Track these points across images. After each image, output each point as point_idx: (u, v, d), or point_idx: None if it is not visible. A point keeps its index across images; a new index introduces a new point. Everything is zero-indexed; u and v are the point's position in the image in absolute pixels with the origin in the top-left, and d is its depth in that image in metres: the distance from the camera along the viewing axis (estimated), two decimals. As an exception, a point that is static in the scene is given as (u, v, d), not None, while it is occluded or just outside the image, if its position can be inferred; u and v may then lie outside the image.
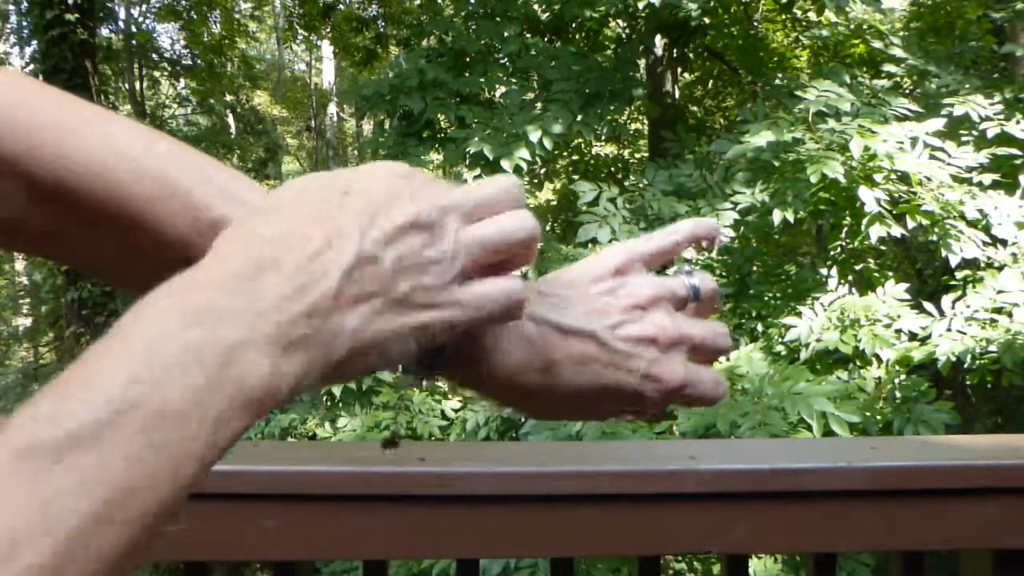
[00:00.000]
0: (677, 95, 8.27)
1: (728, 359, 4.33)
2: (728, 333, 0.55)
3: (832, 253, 5.47)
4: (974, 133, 4.83)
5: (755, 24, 8.00)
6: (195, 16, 14.02)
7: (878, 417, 3.92)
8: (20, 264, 16.12)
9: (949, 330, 4.21)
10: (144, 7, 16.47)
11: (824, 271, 5.39)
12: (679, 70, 8.26)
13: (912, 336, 4.35)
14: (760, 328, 4.85)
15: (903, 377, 4.14)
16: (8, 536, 0.28)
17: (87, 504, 0.30)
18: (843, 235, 5.16)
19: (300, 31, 13.48)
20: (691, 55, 7.84)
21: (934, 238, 4.57)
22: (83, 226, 0.48)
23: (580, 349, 0.49)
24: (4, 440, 0.30)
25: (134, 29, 15.65)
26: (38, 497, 0.29)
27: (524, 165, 5.23)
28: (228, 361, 0.35)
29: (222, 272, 0.37)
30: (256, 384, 0.35)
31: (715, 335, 0.53)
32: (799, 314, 4.53)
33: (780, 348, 4.59)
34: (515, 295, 0.44)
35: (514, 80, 6.11)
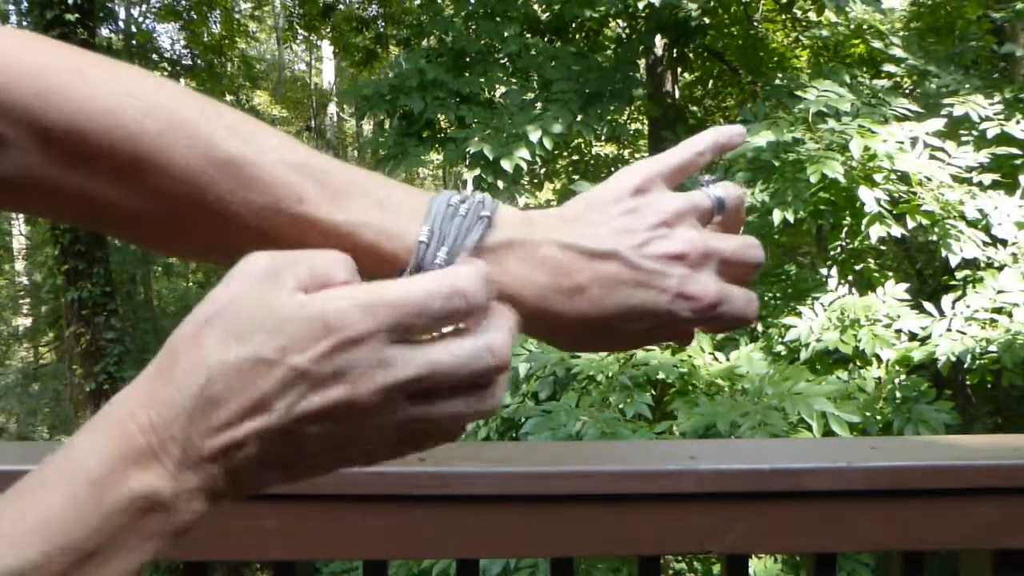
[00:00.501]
0: (677, 95, 8.27)
1: (728, 359, 4.33)
2: (759, 244, 0.53)
3: (832, 253, 5.47)
4: (974, 133, 4.83)
5: (755, 24, 8.00)
6: (195, 16, 14.02)
7: (878, 417, 3.92)
8: (20, 264, 16.12)
9: (949, 330, 4.21)
10: (144, 7, 16.47)
11: (824, 271, 5.39)
12: (679, 70, 8.26)
13: (912, 336, 4.35)
14: (760, 328, 4.85)
15: (903, 377, 4.14)
16: None
17: None
18: (843, 235, 5.15)
19: (300, 31, 13.49)
20: (691, 55, 7.84)
21: (934, 238, 4.57)
22: (95, 172, 0.47)
23: (607, 271, 0.48)
24: None
25: (134, 29, 15.64)
26: None
27: (524, 165, 5.23)
28: (159, 510, 0.38)
29: (159, 416, 0.38)
30: (180, 525, 0.39)
31: (745, 247, 0.52)
32: (799, 314, 4.53)
33: (780, 348, 4.59)
34: (485, 407, 0.42)
35: (514, 80, 6.11)
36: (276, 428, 0.38)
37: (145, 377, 0.39)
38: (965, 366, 4.14)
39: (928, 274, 7.11)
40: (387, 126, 6.60)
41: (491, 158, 5.07)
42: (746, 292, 0.51)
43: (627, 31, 7.42)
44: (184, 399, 0.37)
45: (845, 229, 5.08)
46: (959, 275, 4.75)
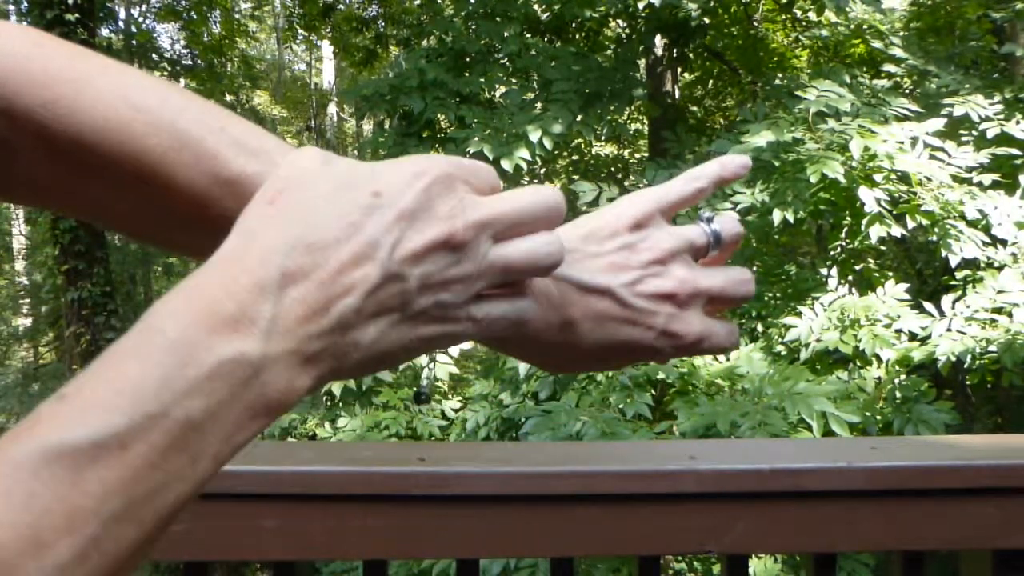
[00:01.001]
0: (677, 95, 8.27)
1: (728, 359, 4.33)
2: (752, 279, 0.53)
3: (832, 253, 5.47)
4: (974, 133, 4.83)
5: (755, 24, 8.00)
6: (195, 16, 14.02)
7: (878, 417, 3.92)
8: (20, 264, 16.12)
9: (949, 330, 4.21)
10: (144, 7, 16.48)
11: (824, 271, 5.39)
12: (679, 70, 8.26)
13: (912, 336, 4.35)
14: (760, 328, 4.85)
15: (903, 377, 4.14)
16: (34, 536, 0.29)
17: (110, 507, 0.31)
18: (843, 235, 5.16)
19: (300, 31, 13.48)
20: (691, 55, 7.84)
21: (934, 238, 4.57)
22: (101, 181, 0.48)
23: (598, 307, 0.50)
24: (34, 437, 0.31)
25: (134, 29, 15.65)
26: (65, 500, 0.30)
27: (524, 165, 5.23)
28: (251, 376, 0.35)
29: (247, 280, 0.36)
30: (274, 396, 0.36)
31: (735, 284, 0.52)
32: (799, 314, 4.53)
33: (780, 348, 4.59)
34: (526, 314, 0.44)
35: (514, 80, 6.11)
36: (382, 273, 0.38)
37: (228, 245, 0.38)
38: (965, 366, 4.14)
39: (928, 274, 7.11)
40: (387, 126, 6.60)
41: (491, 158, 5.07)
42: (728, 325, 0.53)
43: (627, 31, 7.42)
44: (279, 256, 0.36)
45: (845, 229, 5.08)
46: (959, 275, 4.75)
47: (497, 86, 6.10)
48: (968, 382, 4.83)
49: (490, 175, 0.43)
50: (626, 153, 10.76)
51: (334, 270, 0.37)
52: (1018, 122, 4.70)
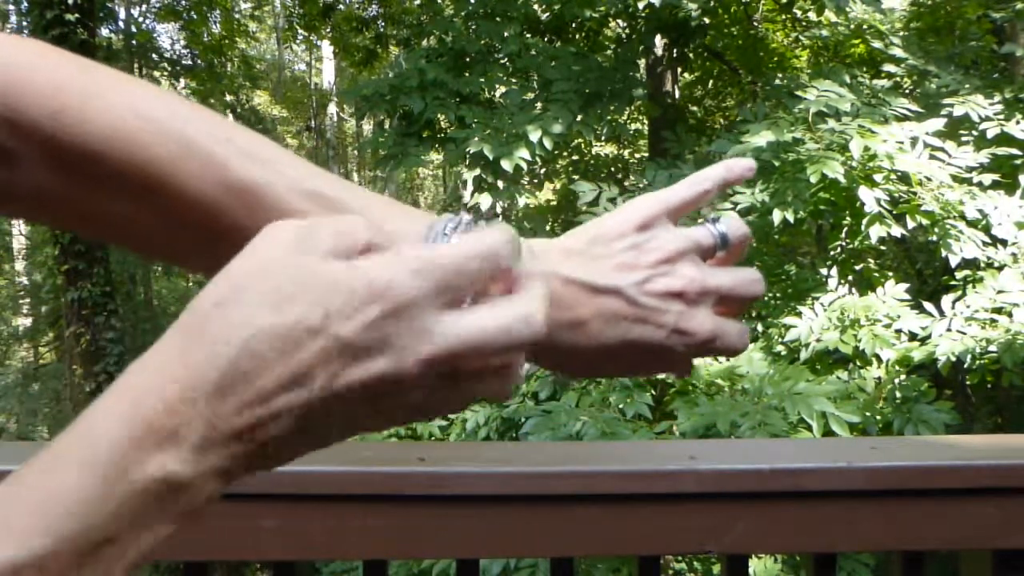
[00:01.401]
0: (677, 95, 8.27)
1: (728, 359, 4.33)
2: (761, 279, 0.54)
3: (832, 253, 5.47)
4: (974, 133, 4.83)
5: (755, 24, 8.00)
6: (195, 16, 14.02)
7: (878, 417, 3.92)
8: (20, 264, 16.12)
9: (949, 330, 4.21)
10: (144, 7, 16.48)
11: (824, 271, 5.39)
12: (679, 70, 8.26)
13: (912, 336, 4.35)
14: (760, 328, 4.85)
15: (903, 377, 4.14)
16: None
17: None
18: (843, 235, 5.15)
19: (300, 31, 13.48)
20: (691, 55, 7.84)
21: (934, 238, 4.57)
22: (108, 193, 0.48)
23: (609, 306, 0.50)
24: None
25: (134, 29, 15.65)
26: None
27: (524, 165, 5.23)
28: (177, 492, 0.35)
29: (183, 393, 0.35)
30: (196, 507, 0.36)
31: (746, 283, 0.53)
32: (799, 314, 4.53)
33: (780, 348, 4.59)
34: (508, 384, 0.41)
35: (514, 80, 6.11)
36: (314, 402, 0.35)
37: (166, 344, 0.36)
38: (965, 366, 4.14)
39: (928, 274, 7.11)
40: (387, 126, 6.60)
41: (491, 158, 5.07)
42: (739, 326, 0.53)
43: (627, 31, 7.42)
44: (213, 371, 0.35)
45: (845, 229, 5.08)
46: (959, 275, 4.75)
47: (497, 86, 6.09)
48: (968, 382, 4.83)
49: (480, 269, 0.38)
50: (626, 153, 10.76)
51: (268, 392, 0.35)
52: (1018, 122, 4.70)
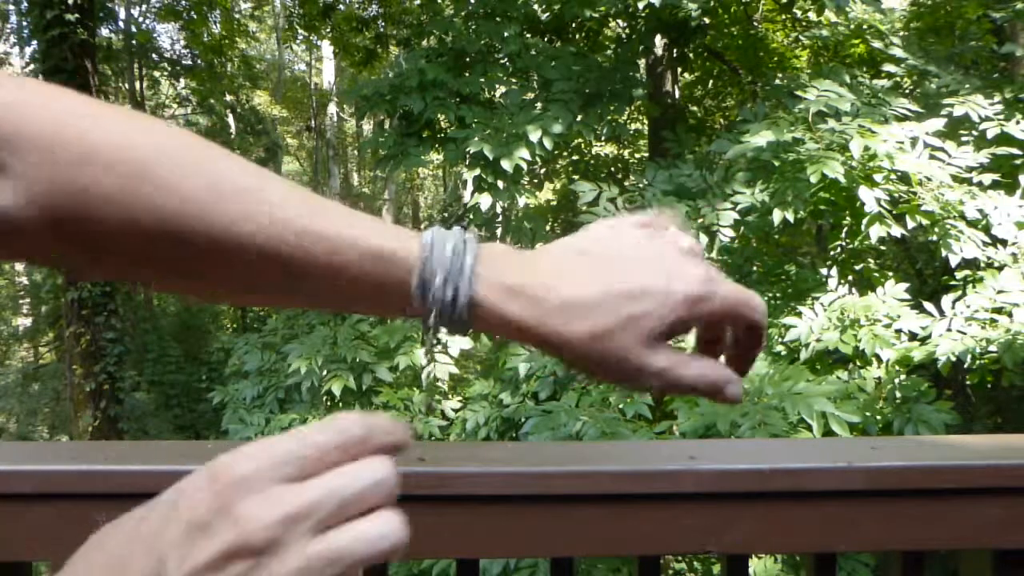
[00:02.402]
0: (677, 95, 8.27)
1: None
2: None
3: (832, 253, 5.47)
4: (974, 133, 4.83)
5: (755, 24, 8.00)
6: (195, 16, 14.02)
7: (878, 417, 3.92)
8: (20, 264, 16.12)
9: (949, 330, 4.21)
10: (144, 7, 16.48)
11: (824, 271, 5.39)
12: (679, 70, 8.26)
13: (912, 336, 4.35)
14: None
15: (903, 377, 4.14)
16: None
17: None
18: (843, 235, 5.15)
19: (300, 31, 13.48)
20: (691, 55, 7.84)
21: (934, 238, 4.57)
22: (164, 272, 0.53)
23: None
24: None
25: (134, 29, 15.65)
26: None
27: (524, 165, 5.23)
28: None
29: None
30: None
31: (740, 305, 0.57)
32: (799, 314, 4.53)
33: (780, 348, 4.59)
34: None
35: (514, 80, 6.11)
36: None
37: None
38: (965, 366, 4.14)
39: (928, 274, 7.11)
40: (387, 126, 6.60)
41: (491, 158, 5.07)
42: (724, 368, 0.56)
43: (627, 31, 7.42)
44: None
45: (845, 229, 5.08)
46: (959, 275, 4.75)
47: (497, 86, 6.10)
48: (968, 382, 4.83)
49: (320, 448, 0.38)
50: (626, 153, 10.76)
51: None
52: (1018, 122, 4.70)
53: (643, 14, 6.37)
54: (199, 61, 15.56)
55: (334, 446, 0.39)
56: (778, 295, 5.07)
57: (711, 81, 9.39)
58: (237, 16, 16.21)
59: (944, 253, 4.49)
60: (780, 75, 7.06)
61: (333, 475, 0.38)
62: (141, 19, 16.44)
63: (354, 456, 0.39)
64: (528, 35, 6.60)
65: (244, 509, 0.36)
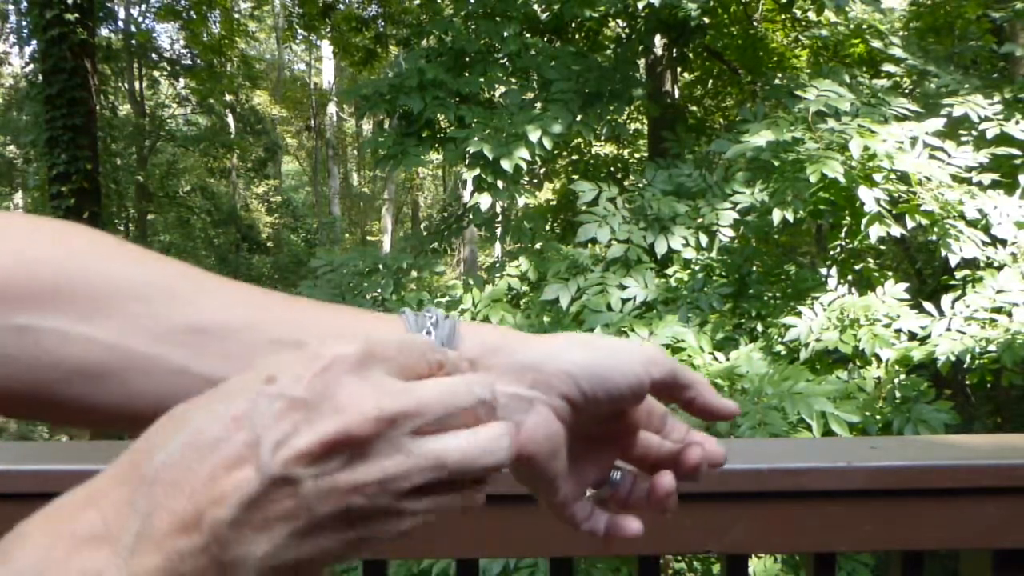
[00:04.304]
0: (677, 95, 8.27)
1: (728, 359, 4.33)
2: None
3: (832, 253, 5.47)
4: (974, 133, 4.83)
5: (755, 24, 8.00)
6: (195, 16, 14.02)
7: (878, 417, 3.92)
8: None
9: (949, 330, 4.21)
10: (144, 7, 16.49)
11: (824, 271, 5.39)
12: (679, 70, 8.26)
13: (912, 336, 4.35)
14: (760, 328, 4.85)
15: (903, 377, 4.14)
16: None
17: None
18: (843, 235, 5.16)
19: (300, 31, 13.48)
20: (691, 55, 7.84)
21: (934, 238, 4.57)
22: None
23: None
24: None
25: (134, 29, 15.65)
26: None
27: (524, 165, 5.23)
28: None
29: (115, 492, 0.33)
30: None
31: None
32: (799, 314, 4.53)
33: (780, 348, 4.59)
34: (478, 502, 0.40)
35: (514, 80, 6.11)
36: (261, 478, 0.32)
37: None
38: (965, 366, 4.14)
39: (928, 274, 7.11)
40: (387, 126, 6.60)
41: (491, 158, 5.07)
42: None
43: (627, 31, 7.42)
44: (152, 460, 0.33)
45: (845, 229, 5.08)
46: (959, 275, 4.75)
47: (497, 86, 6.09)
48: (968, 382, 4.83)
49: (424, 349, 0.38)
50: (626, 153, 10.76)
51: (206, 476, 0.32)
52: (1017, 122, 4.70)
53: (643, 14, 6.37)
54: (199, 61, 15.57)
55: (439, 358, 0.38)
56: (778, 295, 5.08)
57: (711, 81, 9.38)
58: (237, 16, 16.21)
59: (944, 253, 4.49)
60: (780, 75, 7.06)
61: (447, 381, 0.37)
62: (141, 19, 16.46)
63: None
64: (528, 35, 6.60)
65: (348, 397, 0.34)
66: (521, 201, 6.39)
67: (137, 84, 16.90)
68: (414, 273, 5.42)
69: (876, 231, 4.45)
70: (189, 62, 16.08)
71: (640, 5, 5.98)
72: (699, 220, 4.94)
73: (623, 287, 4.70)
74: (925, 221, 4.50)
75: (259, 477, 0.32)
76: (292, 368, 0.34)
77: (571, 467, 0.50)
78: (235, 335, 0.45)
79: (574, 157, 9.51)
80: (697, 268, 4.91)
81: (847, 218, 4.94)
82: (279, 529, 0.33)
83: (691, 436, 0.53)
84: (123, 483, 0.33)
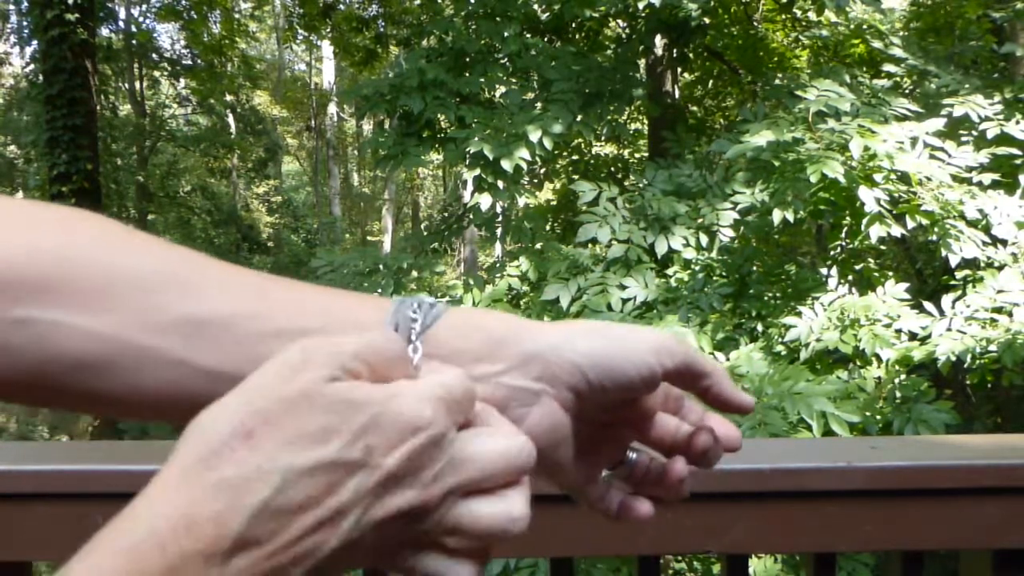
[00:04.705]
0: (677, 95, 8.27)
1: (728, 359, 4.33)
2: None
3: (832, 253, 5.47)
4: (974, 133, 4.83)
5: (755, 24, 8.00)
6: (195, 16, 14.02)
7: (878, 417, 3.92)
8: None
9: (949, 330, 4.21)
10: (144, 7, 16.50)
11: (824, 271, 5.39)
12: (679, 70, 8.26)
13: (912, 336, 4.35)
14: (760, 328, 4.85)
15: (903, 377, 4.14)
16: None
17: None
18: (843, 235, 5.16)
19: (300, 31, 13.49)
20: (691, 55, 7.84)
21: (934, 238, 4.57)
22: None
23: None
24: None
25: (134, 29, 15.66)
26: None
27: (524, 165, 5.23)
28: None
29: (194, 548, 0.32)
30: None
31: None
32: (799, 314, 4.53)
33: (780, 348, 4.59)
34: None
35: (514, 80, 6.12)
36: (346, 537, 0.35)
37: (175, 477, 0.34)
38: (965, 366, 4.14)
39: (928, 274, 7.11)
40: (387, 126, 6.60)
41: (491, 158, 5.07)
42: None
43: (627, 31, 7.42)
44: (237, 517, 0.32)
45: (845, 229, 5.08)
46: (959, 275, 4.75)
47: (497, 86, 6.10)
48: (968, 382, 4.83)
49: (470, 396, 0.40)
50: (626, 153, 10.76)
51: (292, 538, 0.34)
52: (1018, 122, 4.70)
53: (643, 14, 6.37)
54: (199, 61, 15.57)
55: (471, 402, 0.40)
56: (778, 295, 5.08)
57: (711, 81, 9.39)
58: (237, 16, 16.21)
59: (944, 253, 4.49)
60: (780, 75, 7.07)
61: (506, 445, 0.39)
62: (141, 19, 16.46)
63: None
64: (528, 35, 6.60)
65: (431, 471, 0.36)
66: (521, 201, 6.40)
67: (137, 84, 16.90)
68: (414, 273, 5.42)
69: (876, 231, 4.45)
70: (189, 62, 16.08)
71: (640, 5, 5.98)
72: (699, 220, 4.94)
73: (623, 287, 4.70)
74: (925, 221, 4.50)
75: (338, 539, 0.35)
76: (391, 436, 0.36)
77: (584, 451, 0.50)
78: (236, 326, 0.45)
79: (574, 157, 9.52)
80: (697, 268, 4.92)
81: (847, 218, 4.94)
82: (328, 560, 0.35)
83: (707, 419, 0.52)
84: (199, 536, 0.32)
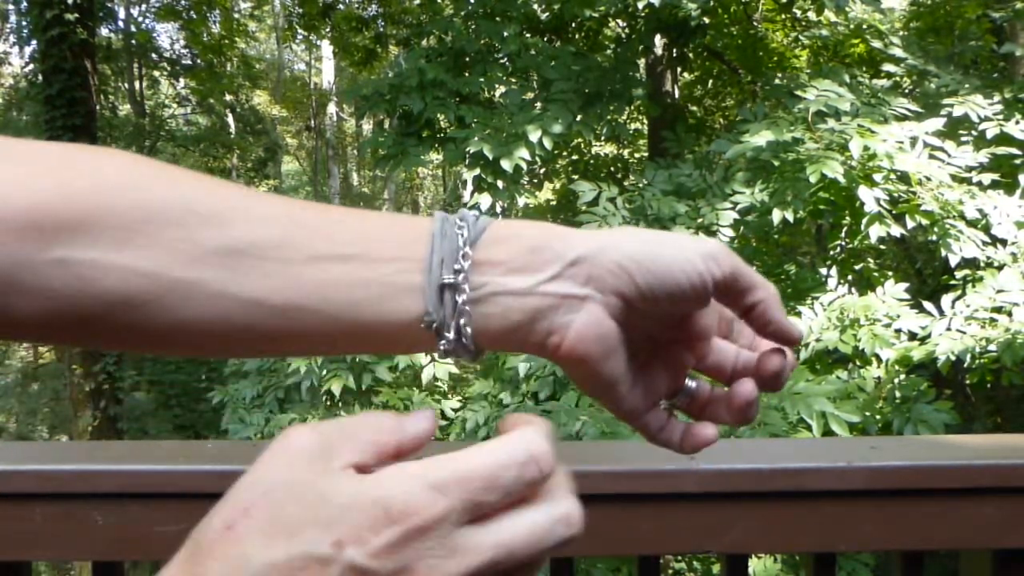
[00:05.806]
0: (677, 95, 8.27)
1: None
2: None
3: (832, 253, 5.47)
4: (974, 133, 4.83)
5: (755, 24, 8.00)
6: (195, 16, 14.02)
7: (878, 417, 3.92)
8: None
9: (949, 329, 4.21)
10: (144, 7, 16.48)
11: (824, 271, 5.39)
12: (679, 70, 8.26)
13: (912, 336, 4.35)
14: (760, 328, 4.85)
15: (903, 377, 4.14)
16: None
17: None
18: (843, 235, 5.16)
19: (300, 31, 13.48)
20: (691, 55, 7.84)
21: (934, 238, 4.57)
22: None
23: None
24: None
25: (134, 29, 15.65)
26: None
27: (524, 165, 5.23)
28: None
29: None
30: None
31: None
32: (799, 314, 4.53)
33: (780, 348, 4.59)
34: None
35: (514, 80, 6.12)
36: None
37: (175, 572, 0.34)
38: (965, 365, 4.14)
39: (928, 274, 7.11)
40: (387, 126, 6.60)
41: (491, 158, 5.07)
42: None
43: (627, 31, 7.42)
44: None
45: (845, 229, 5.08)
46: (959, 275, 4.75)
47: (497, 86, 6.10)
48: (968, 382, 4.83)
49: (518, 479, 0.36)
50: (626, 153, 10.76)
51: None
52: (1017, 122, 4.70)
53: (643, 14, 6.37)
54: (199, 61, 15.56)
55: (520, 486, 0.36)
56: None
57: (711, 81, 9.39)
58: (237, 16, 16.21)
59: (944, 253, 4.49)
60: (780, 75, 7.07)
61: (531, 523, 0.36)
62: (141, 19, 16.45)
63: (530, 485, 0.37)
64: (528, 35, 6.60)
65: (421, 565, 0.33)
66: (521, 201, 6.40)
67: (137, 84, 16.90)
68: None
69: (876, 231, 4.45)
70: (189, 62, 16.08)
71: (640, 5, 5.98)
72: (699, 220, 4.94)
73: (623, 287, 4.70)
74: (925, 221, 4.50)
75: None
76: (363, 526, 0.33)
77: (639, 375, 0.48)
78: (272, 253, 0.45)
79: (574, 157, 9.51)
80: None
81: (847, 218, 4.94)
82: None
83: (759, 343, 0.50)
84: None
